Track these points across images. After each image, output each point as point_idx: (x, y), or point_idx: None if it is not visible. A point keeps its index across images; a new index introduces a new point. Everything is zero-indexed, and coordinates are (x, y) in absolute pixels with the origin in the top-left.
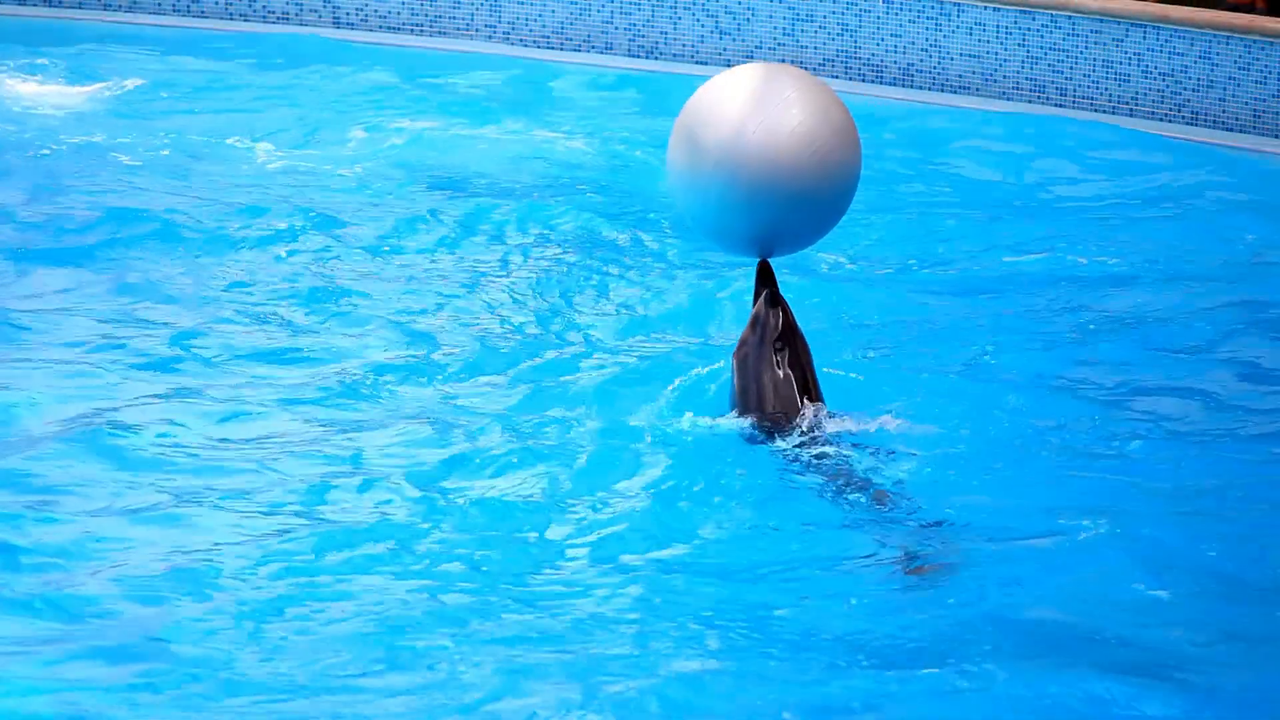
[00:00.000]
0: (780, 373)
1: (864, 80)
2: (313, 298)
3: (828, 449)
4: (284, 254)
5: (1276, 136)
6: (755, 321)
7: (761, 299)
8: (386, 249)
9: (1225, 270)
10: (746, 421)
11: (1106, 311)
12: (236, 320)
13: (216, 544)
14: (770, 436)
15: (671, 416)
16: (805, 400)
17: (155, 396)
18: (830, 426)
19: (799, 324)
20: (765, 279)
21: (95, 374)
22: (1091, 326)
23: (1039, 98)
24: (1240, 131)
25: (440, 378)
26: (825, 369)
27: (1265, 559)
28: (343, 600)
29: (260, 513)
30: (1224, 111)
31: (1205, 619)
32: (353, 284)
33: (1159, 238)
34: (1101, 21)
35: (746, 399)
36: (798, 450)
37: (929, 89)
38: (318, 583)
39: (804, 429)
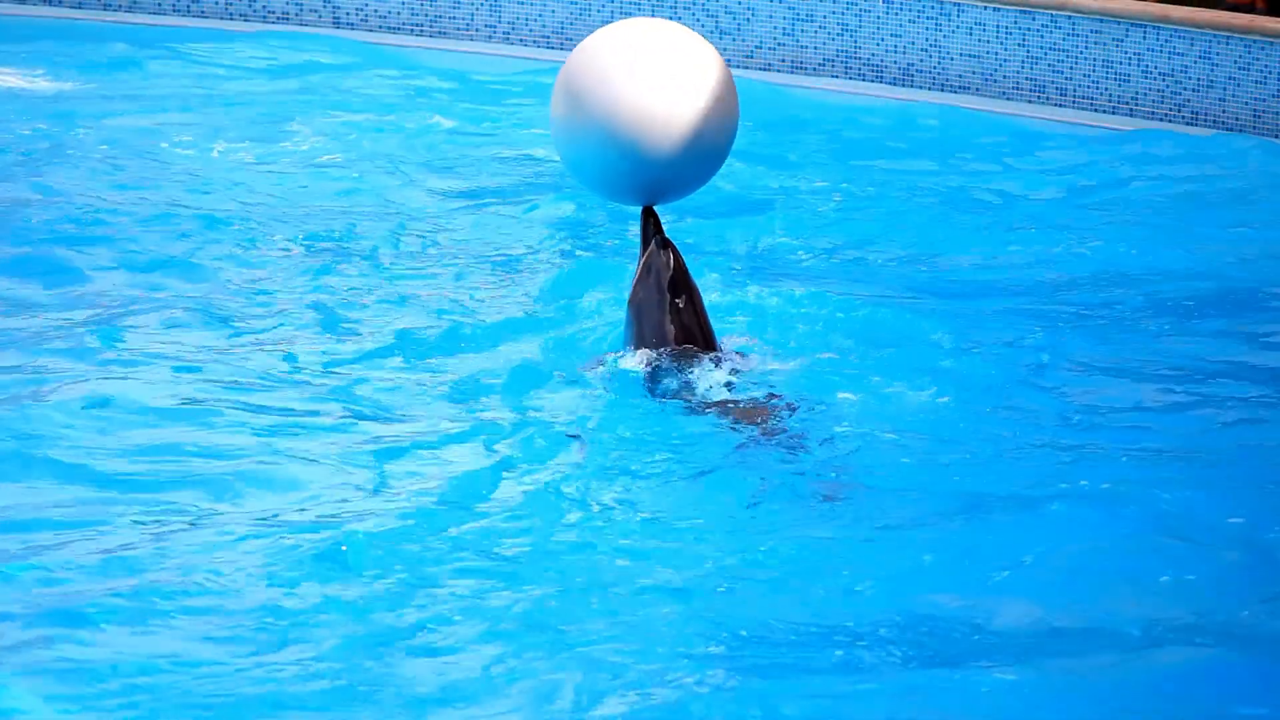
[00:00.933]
0: (679, 316)
1: (864, 80)
2: (281, 290)
3: (723, 387)
4: (258, 250)
5: (1276, 136)
6: (648, 267)
7: (653, 243)
8: (347, 243)
9: (1223, 267)
10: (652, 357)
11: (1099, 305)
12: (210, 321)
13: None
14: (673, 374)
15: (578, 364)
16: (703, 345)
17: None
18: (724, 371)
19: (689, 268)
20: (652, 223)
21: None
22: (1080, 319)
23: (1039, 98)
24: (1240, 131)
25: (329, 359)
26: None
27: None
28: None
29: (206, 514)
30: (1224, 111)
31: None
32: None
33: (1156, 234)
34: (1101, 21)
35: (644, 345)
36: (697, 395)
37: (929, 89)
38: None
39: (706, 372)
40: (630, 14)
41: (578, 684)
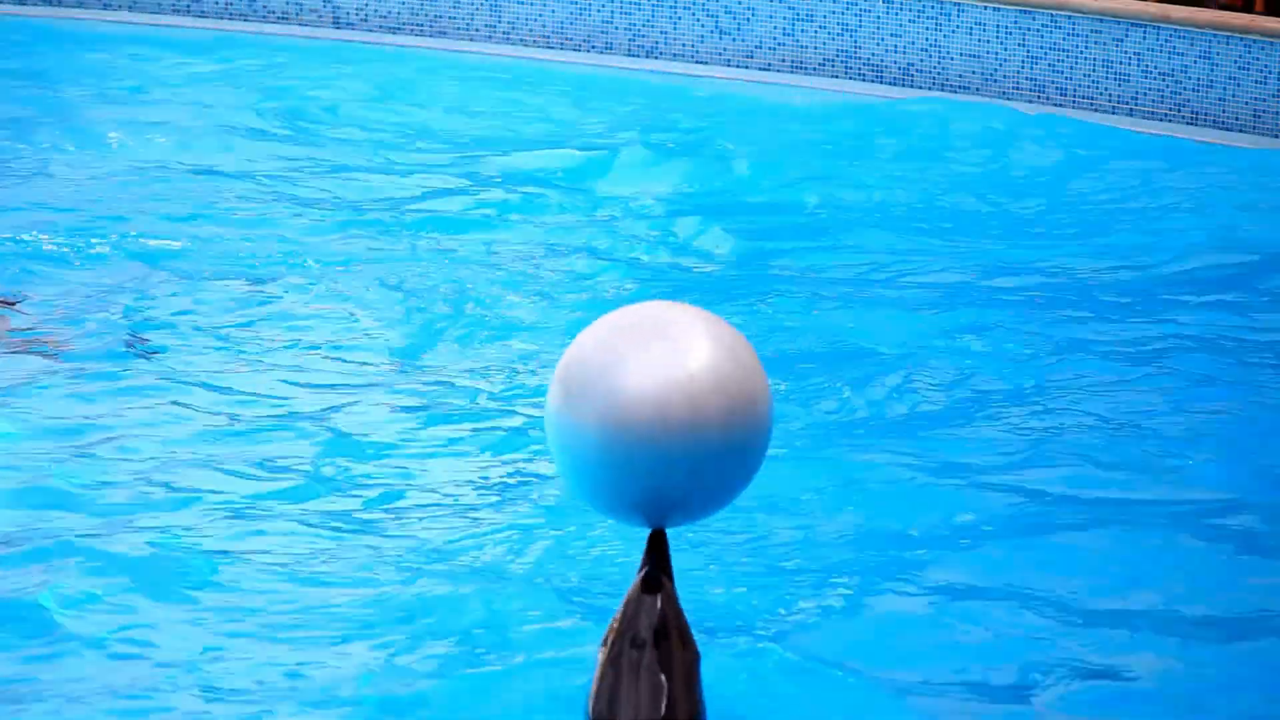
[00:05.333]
0: (638, 674)
1: (864, 80)
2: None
3: None
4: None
5: (1276, 136)
6: (623, 608)
7: (637, 579)
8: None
9: (1221, 271)
10: None
11: (1097, 311)
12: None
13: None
14: None
15: None
16: None
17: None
18: None
19: (684, 618)
20: (654, 549)
21: None
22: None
23: (1039, 97)
24: (1240, 131)
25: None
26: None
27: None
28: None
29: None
30: (1224, 111)
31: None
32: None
33: (1154, 237)
34: (1101, 21)
35: (596, 704)
36: None
37: (929, 89)
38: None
39: None
40: (629, 14)
41: None
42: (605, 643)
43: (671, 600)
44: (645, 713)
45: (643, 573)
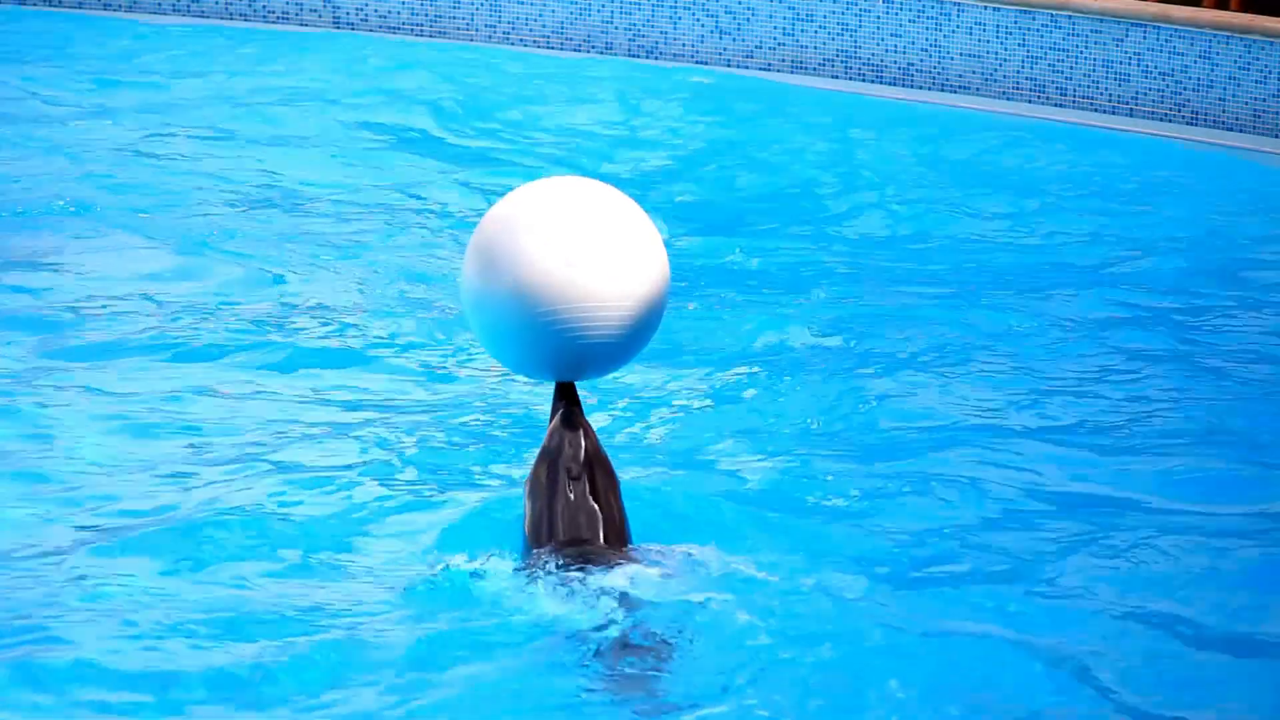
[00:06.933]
0: (575, 502)
1: (864, 80)
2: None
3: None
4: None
5: (1276, 136)
6: (548, 444)
7: (557, 418)
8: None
9: (1222, 271)
10: (540, 563)
11: (1097, 313)
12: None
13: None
14: (567, 577)
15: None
16: (603, 543)
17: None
18: (625, 575)
19: (604, 449)
20: (565, 396)
21: None
22: (1074, 328)
23: (1039, 98)
24: (1240, 131)
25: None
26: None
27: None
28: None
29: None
30: (1224, 111)
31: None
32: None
33: (1153, 237)
34: (1101, 21)
35: (538, 534)
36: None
37: (929, 89)
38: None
39: (600, 580)
40: (629, 14)
41: None
42: (532, 475)
43: (590, 433)
44: (585, 531)
45: (560, 412)
